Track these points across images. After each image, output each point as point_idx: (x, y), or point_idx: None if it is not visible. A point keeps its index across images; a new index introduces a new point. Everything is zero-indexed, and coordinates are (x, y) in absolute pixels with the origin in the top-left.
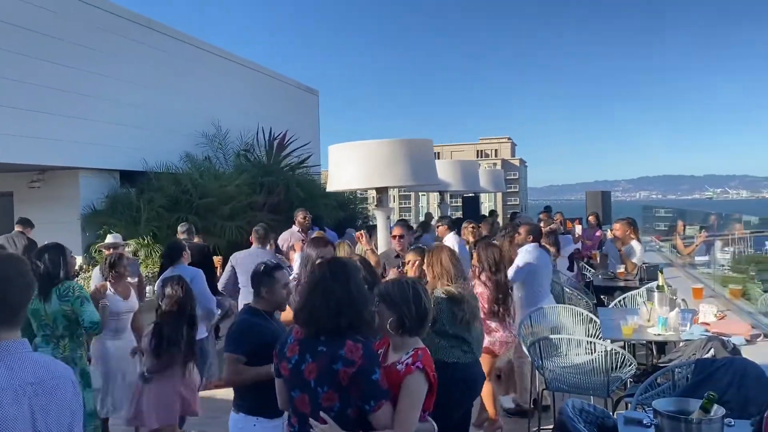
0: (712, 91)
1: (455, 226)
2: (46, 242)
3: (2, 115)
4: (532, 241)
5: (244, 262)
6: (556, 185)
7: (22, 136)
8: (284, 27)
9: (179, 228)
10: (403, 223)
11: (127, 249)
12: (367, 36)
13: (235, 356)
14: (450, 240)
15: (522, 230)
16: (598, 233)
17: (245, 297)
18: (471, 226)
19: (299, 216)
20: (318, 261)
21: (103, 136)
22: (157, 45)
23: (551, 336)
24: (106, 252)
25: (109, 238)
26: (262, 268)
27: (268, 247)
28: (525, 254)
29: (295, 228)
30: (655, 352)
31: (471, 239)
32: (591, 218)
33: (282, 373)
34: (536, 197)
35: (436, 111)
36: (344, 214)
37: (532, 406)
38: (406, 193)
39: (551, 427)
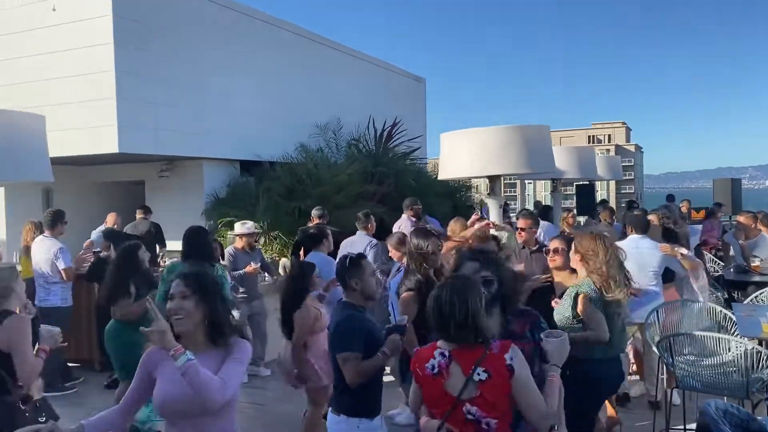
0: None
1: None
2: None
3: (135, 109)
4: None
5: (352, 246)
6: (674, 172)
7: (153, 129)
8: (390, 14)
9: (314, 212)
10: (527, 213)
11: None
12: (471, 20)
13: (354, 355)
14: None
15: None
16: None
17: None
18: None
19: (413, 206)
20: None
21: (225, 127)
22: (275, 40)
23: (683, 332)
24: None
25: (239, 227)
26: (348, 259)
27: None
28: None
29: (405, 217)
30: None
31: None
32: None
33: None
34: (652, 185)
35: (544, 96)
36: (452, 203)
37: (657, 402)
38: (512, 181)
39: (681, 427)
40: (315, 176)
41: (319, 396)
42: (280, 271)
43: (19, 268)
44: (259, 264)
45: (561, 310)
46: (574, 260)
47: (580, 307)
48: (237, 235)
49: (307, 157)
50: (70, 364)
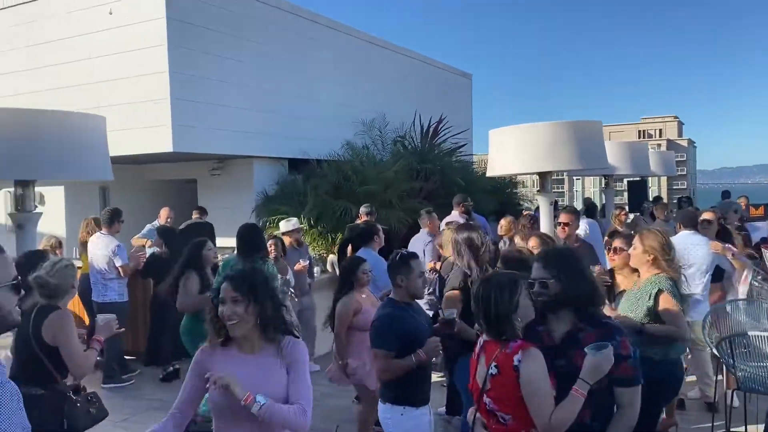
0: None
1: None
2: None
3: (188, 109)
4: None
5: (413, 244)
6: (729, 167)
7: (205, 128)
8: (435, 10)
9: (362, 209)
10: (570, 209)
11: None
12: (517, 13)
13: (384, 352)
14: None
15: None
16: None
17: None
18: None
19: (463, 203)
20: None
21: (274, 126)
22: (322, 38)
23: (744, 333)
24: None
25: (284, 225)
26: (398, 256)
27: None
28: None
29: (456, 213)
30: None
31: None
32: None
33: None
34: (706, 181)
35: (591, 90)
36: (498, 200)
37: (715, 404)
38: (559, 178)
39: (742, 429)
40: (361, 173)
41: (365, 394)
42: (328, 267)
43: (78, 263)
44: (307, 261)
45: (637, 306)
46: (643, 260)
47: (664, 306)
48: (283, 234)
49: (354, 154)
50: (126, 357)
